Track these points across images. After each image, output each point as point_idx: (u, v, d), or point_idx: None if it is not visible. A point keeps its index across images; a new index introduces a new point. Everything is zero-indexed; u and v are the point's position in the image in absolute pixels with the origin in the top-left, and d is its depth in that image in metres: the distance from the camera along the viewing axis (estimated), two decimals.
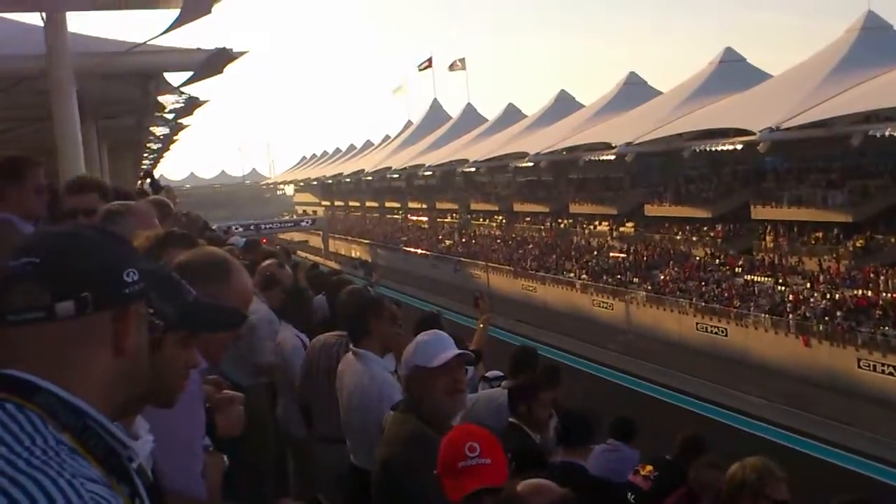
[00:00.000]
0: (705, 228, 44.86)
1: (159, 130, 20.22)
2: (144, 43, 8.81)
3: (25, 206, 3.86)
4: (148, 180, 9.67)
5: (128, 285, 1.30)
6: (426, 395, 3.15)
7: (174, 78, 11.04)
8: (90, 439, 1.23)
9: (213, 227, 17.02)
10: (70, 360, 1.26)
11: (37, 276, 1.25)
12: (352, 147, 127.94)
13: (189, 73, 10.16)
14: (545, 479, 2.35)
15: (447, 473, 2.41)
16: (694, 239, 45.18)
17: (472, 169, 68.13)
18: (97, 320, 1.27)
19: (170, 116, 16.38)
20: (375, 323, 4.43)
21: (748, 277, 38.96)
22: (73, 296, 1.24)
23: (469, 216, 70.02)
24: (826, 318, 32.29)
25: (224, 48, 8.84)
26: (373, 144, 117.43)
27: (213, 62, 9.09)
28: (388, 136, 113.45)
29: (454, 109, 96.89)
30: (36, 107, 9.70)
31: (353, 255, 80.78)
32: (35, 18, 8.31)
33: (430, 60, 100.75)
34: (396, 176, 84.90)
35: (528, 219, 61.74)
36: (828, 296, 33.76)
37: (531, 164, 59.22)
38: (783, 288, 36.41)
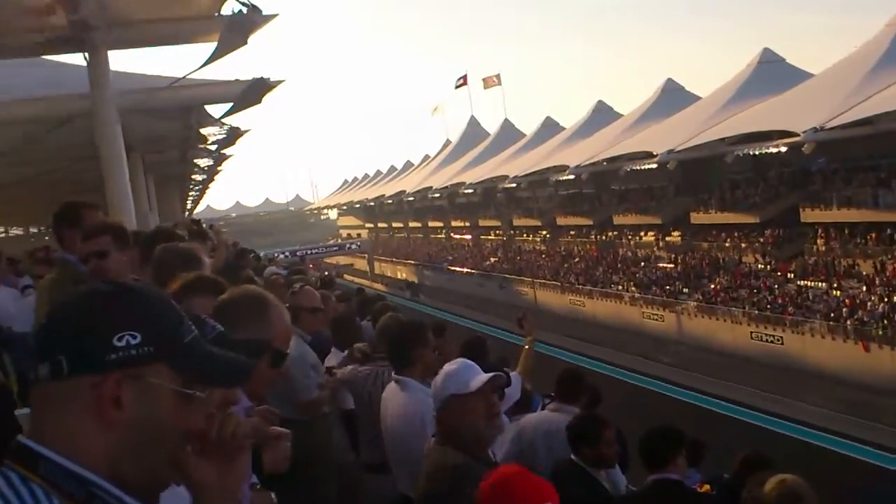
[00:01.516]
0: (754, 234, 44.10)
1: (203, 162, 20.53)
2: (184, 77, 8.91)
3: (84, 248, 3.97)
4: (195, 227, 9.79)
5: (115, 350, 1.22)
6: (464, 423, 3.12)
7: (215, 110, 11.17)
8: None
9: (261, 255, 17.17)
10: (63, 425, 1.22)
11: (34, 339, 1.26)
12: (392, 168, 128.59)
13: (229, 105, 10.26)
14: None
15: None
16: (743, 245, 44.41)
17: (513, 185, 67.97)
18: (76, 385, 1.21)
19: (213, 147, 16.61)
20: (419, 351, 4.44)
21: (801, 283, 38.17)
22: (50, 358, 1.21)
23: (512, 232, 69.81)
24: (885, 322, 31.45)
25: (262, 78, 8.91)
26: (413, 165, 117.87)
27: (251, 92, 9.17)
28: (427, 156, 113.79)
29: (492, 126, 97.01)
30: (83, 144, 9.85)
31: (399, 276, 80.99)
32: (78, 59, 8.43)
33: (465, 78, 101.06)
34: (437, 195, 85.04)
35: (571, 232, 61.35)
36: (885, 298, 32.90)
37: (572, 176, 58.88)
38: (838, 292, 35.59)
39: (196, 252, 3.61)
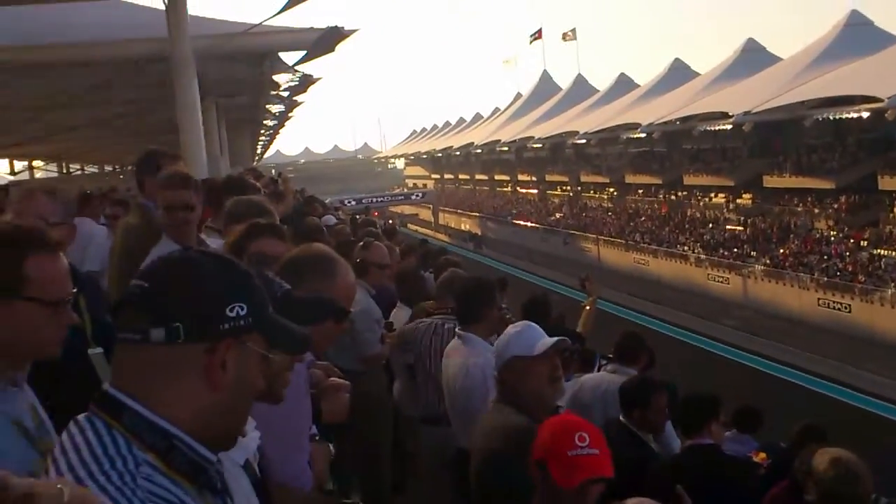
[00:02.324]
0: (828, 200, 42.94)
1: (275, 108, 20.76)
2: (260, 24, 9.03)
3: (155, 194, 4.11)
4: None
5: (228, 320, 1.32)
6: (526, 385, 3.15)
7: (288, 57, 11.30)
8: (175, 458, 1.28)
9: (326, 201, 17.38)
10: (163, 383, 1.30)
11: (141, 300, 1.31)
12: (461, 120, 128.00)
13: (303, 53, 10.38)
14: (651, 500, 2.32)
15: (554, 460, 2.41)
16: (816, 211, 43.32)
17: (583, 141, 67.13)
18: (190, 351, 1.30)
19: (285, 94, 16.80)
20: (486, 311, 4.47)
21: (874, 251, 37.15)
22: (165, 324, 1.28)
23: (579, 188, 69.15)
24: None
25: (336, 27, 8.99)
26: (482, 117, 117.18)
27: (325, 41, 9.26)
28: (497, 109, 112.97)
29: (564, 81, 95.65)
30: (159, 87, 10.07)
31: (463, 228, 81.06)
32: (157, 2, 8.61)
33: (539, 32, 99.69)
34: (506, 149, 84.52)
35: (640, 191, 60.51)
36: None
37: (643, 135, 57.95)
38: None
39: (266, 204, 3.72)
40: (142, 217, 4.20)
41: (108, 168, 35.14)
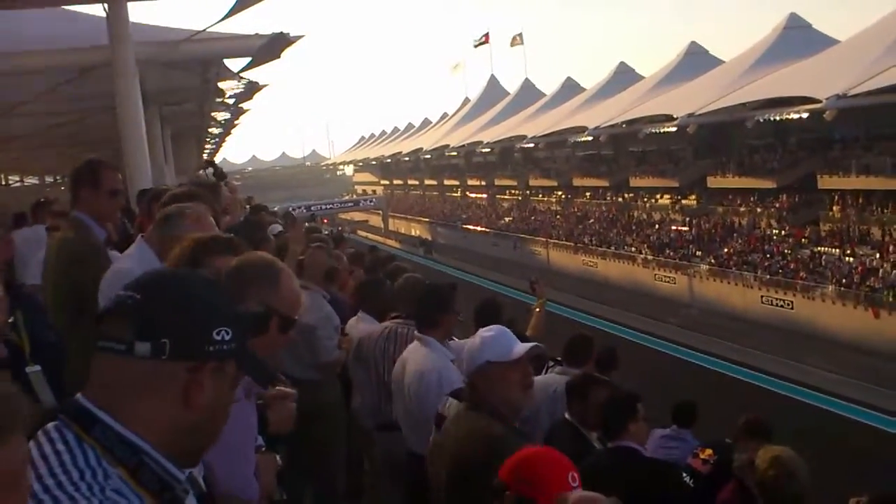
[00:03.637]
0: (770, 199, 43.89)
1: (221, 115, 20.56)
2: (204, 30, 8.96)
3: (98, 209, 4.00)
4: (210, 169, 9.81)
5: (213, 343, 1.33)
6: (499, 391, 3.10)
7: (234, 64, 11.22)
8: (144, 474, 1.28)
9: (274, 209, 17.23)
10: (138, 397, 1.30)
11: (130, 312, 1.31)
12: (410, 126, 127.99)
13: (248, 59, 10.31)
14: (597, 493, 2.35)
15: (545, 498, 2.40)
16: (758, 210, 44.23)
17: (531, 145, 67.62)
18: (172, 368, 1.31)
19: (230, 101, 16.65)
20: (444, 316, 4.49)
21: (815, 249, 38.07)
22: (152, 338, 1.29)
23: (528, 192, 69.60)
24: None
25: (281, 33, 8.95)
26: (431, 122, 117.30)
27: (271, 47, 9.22)
28: (445, 114, 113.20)
29: (512, 85, 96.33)
30: (101, 96, 9.94)
31: (413, 233, 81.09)
32: (98, 10, 8.50)
33: (486, 36, 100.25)
34: (455, 153, 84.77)
35: (588, 193, 61.15)
36: None
37: (590, 138, 58.53)
38: (851, 259, 35.51)
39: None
40: (76, 232, 3.99)
41: (48, 179, 34.46)
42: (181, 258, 2.43)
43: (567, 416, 4.97)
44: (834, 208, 39.86)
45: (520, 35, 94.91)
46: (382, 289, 6.46)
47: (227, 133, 28.87)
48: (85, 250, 3.86)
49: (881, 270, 33.18)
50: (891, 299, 31.10)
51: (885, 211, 36.94)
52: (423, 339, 4.45)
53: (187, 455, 1.37)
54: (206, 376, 1.33)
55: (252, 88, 15.00)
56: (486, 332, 3.26)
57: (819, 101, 37.20)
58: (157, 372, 1.29)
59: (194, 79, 11.43)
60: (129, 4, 8.18)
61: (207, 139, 27.61)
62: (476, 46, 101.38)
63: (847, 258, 35.74)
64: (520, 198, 70.74)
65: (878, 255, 34.75)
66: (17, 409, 1.04)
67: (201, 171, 10.94)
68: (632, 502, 4.09)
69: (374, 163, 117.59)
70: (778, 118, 43.06)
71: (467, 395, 3.23)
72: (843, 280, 34.02)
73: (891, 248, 34.67)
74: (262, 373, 1.50)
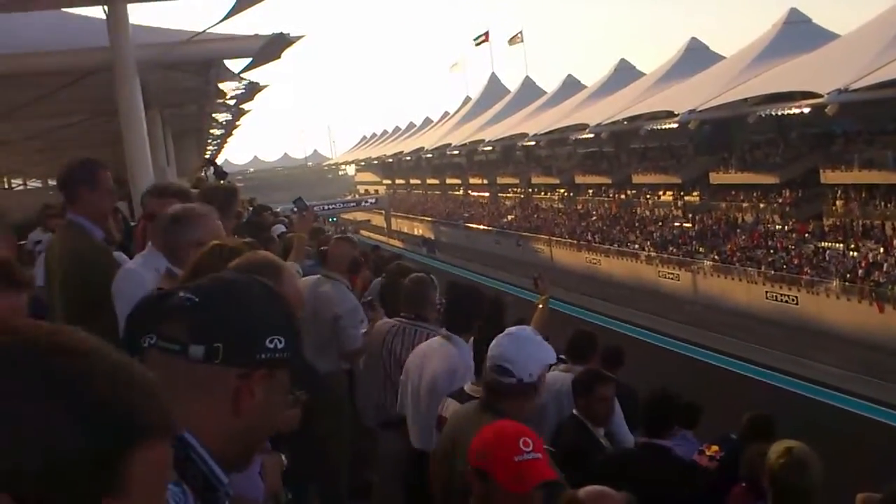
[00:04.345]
0: (773, 195, 43.82)
1: (221, 117, 20.53)
2: (204, 31, 8.94)
3: (96, 210, 3.96)
4: (211, 168, 9.81)
5: (266, 350, 1.33)
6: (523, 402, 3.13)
7: (234, 65, 11.20)
8: (189, 470, 1.29)
9: (277, 210, 17.26)
10: (191, 399, 1.30)
11: (187, 314, 1.32)
12: (411, 125, 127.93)
13: (248, 60, 10.29)
14: (606, 487, 2.35)
15: (500, 467, 2.44)
16: (761, 206, 44.18)
17: (533, 143, 67.60)
18: (224, 373, 1.31)
19: (231, 103, 16.63)
20: (475, 321, 4.48)
21: (819, 244, 38.02)
22: (206, 342, 1.29)
23: (530, 190, 69.60)
24: None
25: (281, 33, 8.92)
26: (432, 121, 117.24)
27: (271, 48, 9.19)
28: (447, 113, 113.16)
29: (512, 83, 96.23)
30: (101, 99, 9.93)
31: (416, 232, 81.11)
32: (98, 12, 8.48)
33: (486, 34, 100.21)
34: (456, 152, 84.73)
35: (590, 191, 61.11)
36: None
37: (592, 135, 58.51)
38: (855, 253, 35.45)
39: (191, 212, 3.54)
40: (74, 236, 3.92)
41: (52, 182, 34.50)
42: (202, 264, 2.43)
43: (575, 412, 4.97)
44: (837, 203, 39.78)
45: (520, 33, 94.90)
46: (398, 285, 6.48)
47: (228, 134, 28.87)
48: (92, 252, 3.84)
49: (885, 265, 33.11)
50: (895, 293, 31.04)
51: (889, 205, 36.85)
52: (452, 336, 4.45)
53: (235, 458, 1.38)
54: (257, 383, 1.33)
55: (253, 89, 14.98)
56: (533, 333, 3.30)
57: (820, 96, 37.10)
58: (209, 375, 1.30)
59: (195, 80, 11.42)
60: (129, 6, 8.16)
61: (209, 140, 27.62)
62: (476, 45, 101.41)
63: (851, 253, 35.68)
64: (522, 196, 70.72)
65: (882, 250, 34.67)
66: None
67: (203, 172, 10.93)
68: (661, 500, 4.07)
69: (375, 162, 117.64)
70: (779, 113, 43.02)
71: (484, 397, 3.24)
72: (848, 275, 33.95)
73: (895, 241, 34.60)
74: (315, 384, 1.50)
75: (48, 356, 0.84)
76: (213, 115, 19.01)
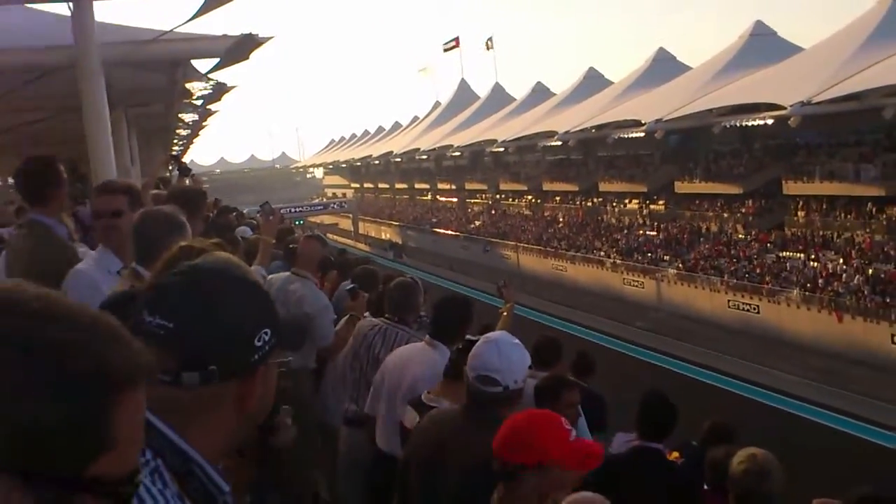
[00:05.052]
0: (736, 204, 44.41)
1: (188, 117, 20.35)
2: (171, 31, 8.88)
3: (63, 206, 3.92)
4: (176, 167, 9.73)
5: (257, 350, 1.31)
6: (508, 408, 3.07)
7: (202, 65, 11.12)
8: (191, 484, 1.27)
9: (244, 211, 17.14)
10: (194, 418, 1.28)
11: (167, 343, 1.25)
12: (380, 129, 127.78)
13: (216, 60, 10.23)
14: (591, 493, 2.34)
15: (558, 453, 2.36)
16: (725, 215, 44.74)
17: (501, 149, 67.86)
18: (223, 388, 1.28)
19: (198, 103, 16.49)
20: (463, 329, 4.43)
21: (780, 254, 38.56)
22: (199, 367, 1.25)
23: (498, 196, 69.82)
24: (859, 294, 31.92)
25: (250, 34, 8.87)
26: (401, 126, 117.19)
27: (239, 48, 9.14)
28: (416, 118, 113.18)
29: (482, 89, 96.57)
30: (66, 96, 9.81)
31: (383, 237, 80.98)
32: (63, 9, 8.40)
33: (457, 40, 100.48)
34: (425, 157, 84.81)
35: (557, 198, 61.47)
36: (861, 271, 33.33)
37: (560, 142, 58.86)
38: (816, 264, 36.01)
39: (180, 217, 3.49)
40: (40, 236, 3.86)
41: (11, 181, 33.92)
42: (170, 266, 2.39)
43: None
44: (799, 213, 40.42)
45: (490, 39, 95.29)
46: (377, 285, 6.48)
47: (195, 135, 28.63)
48: (61, 251, 3.79)
49: (844, 275, 33.67)
50: (855, 303, 31.57)
51: (849, 216, 37.52)
52: (436, 344, 4.43)
53: (233, 447, 1.40)
54: (257, 381, 1.32)
55: (220, 90, 14.86)
56: (513, 339, 3.28)
57: (784, 108, 37.70)
58: (210, 395, 1.27)
59: (161, 80, 11.32)
60: (95, 4, 8.08)
61: (175, 140, 27.38)
62: (446, 51, 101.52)
63: (812, 263, 36.23)
64: (490, 202, 70.94)
65: (841, 260, 35.26)
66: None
67: (169, 170, 10.84)
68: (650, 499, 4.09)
69: (344, 166, 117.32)
70: (744, 124, 43.64)
71: (468, 405, 3.20)
72: (808, 284, 34.47)
73: (853, 252, 35.21)
74: (295, 342, 1.49)
75: (28, 323, 0.84)
76: (180, 115, 18.83)
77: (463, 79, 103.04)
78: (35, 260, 3.82)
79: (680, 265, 42.19)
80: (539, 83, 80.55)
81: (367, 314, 5.74)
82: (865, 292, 31.78)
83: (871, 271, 32.96)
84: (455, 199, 77.59)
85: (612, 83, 66.20)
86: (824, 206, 39.02)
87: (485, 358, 3.11)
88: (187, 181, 8.37)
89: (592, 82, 68.15)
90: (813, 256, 36.69)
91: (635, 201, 52.48)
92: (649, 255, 45.27)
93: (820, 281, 34.21)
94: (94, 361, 0.85)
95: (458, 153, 76.85)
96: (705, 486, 4.95)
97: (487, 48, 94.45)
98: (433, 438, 3.25)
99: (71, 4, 7.99)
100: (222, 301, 1.31)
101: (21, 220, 4.41)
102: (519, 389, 3.10)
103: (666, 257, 44.00)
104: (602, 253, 48.64)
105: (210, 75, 12.65)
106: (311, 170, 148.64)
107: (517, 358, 3.15)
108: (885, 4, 41.89)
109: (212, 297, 1.31)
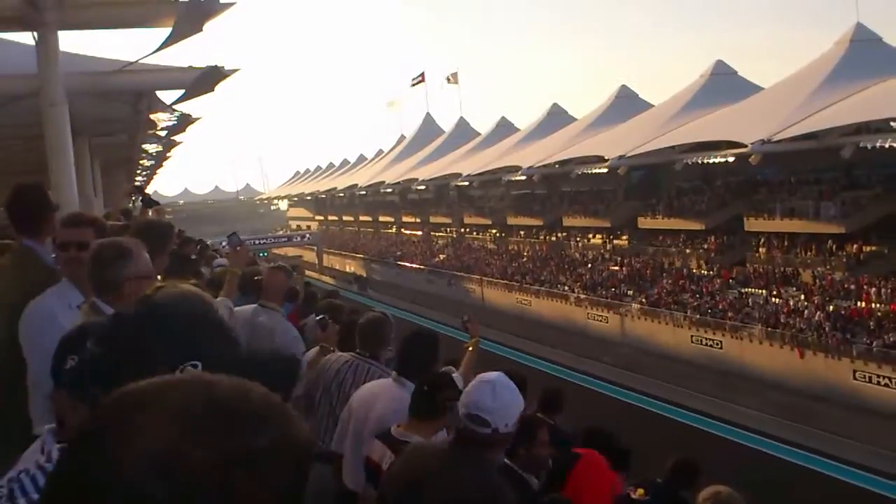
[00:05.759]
0: (698, 240, 44.92)
1: (152, 148, 20.18)
2: (136, 61, 8.80)
3: (51, 233, 3.86)
4: (140, 197, 9.59)
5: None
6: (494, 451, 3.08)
7: (167, 96, 11.04)
8: None
9: (208, 243, 16.94)
10: None
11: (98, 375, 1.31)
12: (345, 162, 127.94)
13: (181, 91, 10.15)
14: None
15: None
16: (687, 251, 45.23)
17: (466, 183, 68.18)
18: None
19: (162, 134, 16.37)
20: (430, 366, 4.40)
21: (742, 289, 39.00)
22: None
23: (463, 230, 70.01)
24: (820, 330, 32.32)
25: (216, 66, 8.81)
26: (366, 159, 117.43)
27: (204, 80, 9.08)
28: (381, 151, 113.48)
29: (447, 123, 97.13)
30: (29, 125, 9.67)
31: (348, 269, 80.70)
32: (27, 38, 8.29)
33: (423, 75, 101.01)
34: (390, 190, 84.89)
35: (521, 232, 61.79)
36: (822, 307, 33.79)
37: (524, 177, 59.25)
38: (777, 300, 36.45)
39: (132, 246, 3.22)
40: (28, 262, 3.85)
41: None
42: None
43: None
44: (760, 250, 41.00)
45: (454, 74, 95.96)
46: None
47: (158, 165, 28.40)
48: (50, 278, 3.69)
49: (805, 311, 34.09)
50: (816, 339, 31.95)
51: (809, 253, 38.11)
52: (403, 381, 4.36)
53: None
54: None
55: (185, 121, 14.77)
56: (505, 379, 3.21)
57: (745, 146, 38.32)
58: None
59: (126, 110, 11.22)
60: (60, 34, 7.99)
61: (138, 171, 27.12)
62: (413, 85, 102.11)
63: (773, 299, 36.65)
64: (454, 235, 71.08)
65: (802, 297, 35.73)
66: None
67: (130, 200, 10.69)
68: None
69: (308, 198, 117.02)
70: (705, 161, 44.22)
71: (455, 445, 3.14)
72: (770, 320, 34.84)
73: (815, 289, 35.72)
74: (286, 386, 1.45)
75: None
76: (144, 145, 18.67)
77: (428, 113, 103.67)
78: (26, 290, 3.66)
79: (643, 300, 42.46)
80: (503, 118, 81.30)
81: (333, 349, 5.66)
82: (826, 329, 32.19)
83: (831, 308, 33.41)
84: (420, 233, 77.65)
85: (575, 119, 66.97)
86: (785, 243, 39.63)
87: (478, 397, 3.05)
88: (149, 213, 8.25)
89: (556, 118, 68.90)
90: (774, 292, 37.13)
91: (599, 236, 52.89)
92: (613, 289, 45.53)
93: (781, 317, 34.60)
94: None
95: (422, 187, 77.02)
96: None
97: (449, 82, 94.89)
98: (413, 474, 3.18)
99: (35, 34, 7.89)
100: (147, 345, 1.31)
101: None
102: (509, 434, 3.04)
103: (629, 292, 44.27)
104: (566, 287, 48.84)
105: (175, 106, 12.57)
106: (275, 201, 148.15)
107: (511, 401, 3.09)
108: (843, 47, 43.02)
109: (135, 337, 1.33)
